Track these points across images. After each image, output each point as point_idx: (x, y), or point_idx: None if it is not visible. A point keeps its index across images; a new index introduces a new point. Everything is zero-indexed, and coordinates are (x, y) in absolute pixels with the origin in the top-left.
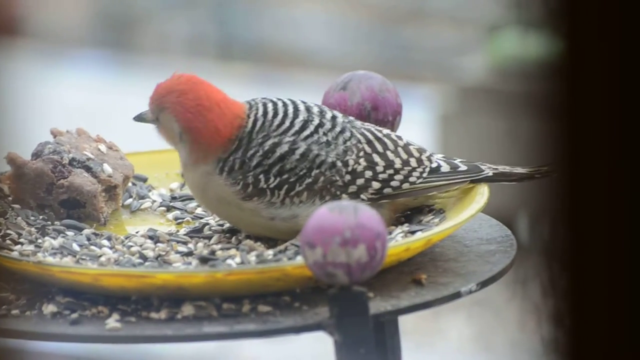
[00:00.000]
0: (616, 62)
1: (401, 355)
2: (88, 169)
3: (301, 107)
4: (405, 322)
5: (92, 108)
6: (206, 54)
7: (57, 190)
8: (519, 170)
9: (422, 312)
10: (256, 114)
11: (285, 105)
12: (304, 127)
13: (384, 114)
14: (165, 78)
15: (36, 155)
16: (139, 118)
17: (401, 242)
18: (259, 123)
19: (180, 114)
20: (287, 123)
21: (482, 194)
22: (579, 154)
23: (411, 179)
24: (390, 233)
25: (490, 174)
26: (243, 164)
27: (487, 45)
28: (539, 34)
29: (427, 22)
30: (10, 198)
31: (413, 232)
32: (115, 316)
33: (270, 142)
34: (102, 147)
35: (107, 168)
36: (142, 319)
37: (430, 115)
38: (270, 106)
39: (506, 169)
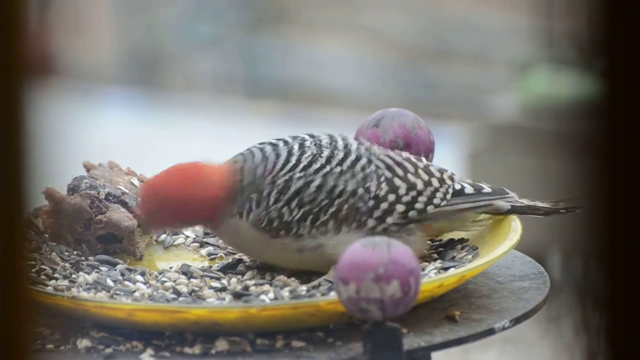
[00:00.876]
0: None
1: None
2: (124, 204)
3: (308, 142)
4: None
5: (123, 145)
6: (233, 92)
7: (95, 226)
8: (541, 204)
9: (453, 350)
10: (242, 164)
11: (286, 143)
12: (311, 161)
13: (416, 151)
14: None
15: (73, 190)
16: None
17: (434, 279)
18: (260, 167)
19: (171, 221)
20: (292, 161)
21: (515, 231)
22: (613, 191)
23: (435, 201)
24: (423, 269)
25: (516, 197)
26: (260, 203)
27: (518, 84)
28: (570, 72)
29: (453, 61)
30: (46, 235)
31: (446, 269)
32: (150, 351)
33: (280, 180)
34: (135, 181)
35: None
36: (176, 354)
37: (459, 154)
38: (268, 149)
39: (530, 202)
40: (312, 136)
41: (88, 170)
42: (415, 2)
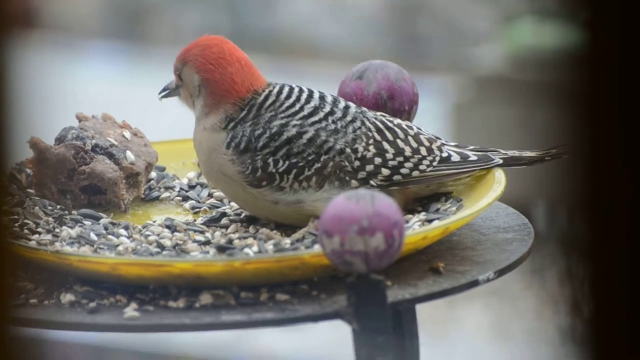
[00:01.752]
0: (634, 50)
1: (419, 344)
2: (111, 156)
3: (315, 95)
4: (421, 312)
5: (106, 98)
6: None
7: (78, 177)
8: (529, 153)
9: (438, 302)
10: (271, 90)
11: (301, 91)
12: (313, 113)
13: (400, 103)
14: None
15: (59, 140)
16: (164, 92)
17: (419, 231)
18: (270, 99)
19: (201, 65)
20: (297, 106)
21: (499, 182)
22: (596, 141)
23: (421, 167)
24: (407, 222)
25: (501, 162)
26: (249, 144)
27: (502, 35)
28: (554, 23)
29: (438, 13)
30: (29, 189)
31: (430, 221)
32: (134, 305)
33: (277, 122)
34: (127, 134)
35: (130, 155)
36: (160, 308)
37: (445, 105)
38: (286, 89)
39: (516, 153)
40: (320, 92)
41: (80, 121)
42: None
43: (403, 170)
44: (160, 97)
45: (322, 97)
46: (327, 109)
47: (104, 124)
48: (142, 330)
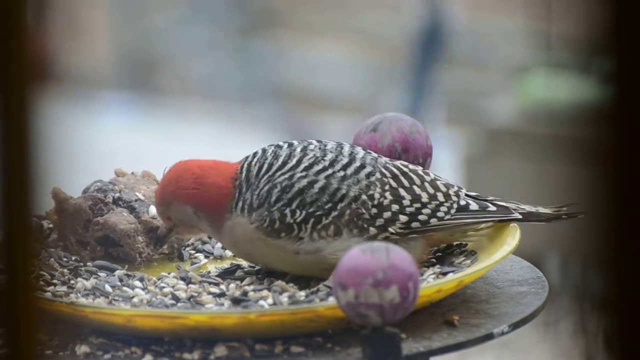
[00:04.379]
0: None
1: None
2: (132, 210)
3: (312, 145)
4: None
5: (119, 149)
6: (228, 96)
7: (93, 227)
8: (542, 210)
9: (450, 355)
10: (245, 161)
11: (290, 146)
12: (313, 163)
13: (414, 156)
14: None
15: (84, 192)
16: (161, 241)
17: (433, 283)
18: (255, 167)
19: (184, 196)
20: (293, 161)
21: (513, 236)
22: (610, 196)
23: (439, 214)
24: (422, 274)
25: (520, 216)
26: (260, 200)
27: (515, 87)
28: (567, 75)
29: (450, 65)
30: (46, 241)
31: (445, 274)
32: (149, 357)
33: (283, 177)
34: None
35: (153, 210)
36: None
37: (456, 158)
38: (269, 151)
39: (532, 208)
40: (319, 141)
41: (117, 176)
42: (411, 5)
43: (421, 217)
44: (162, 249)
45: (321, 147)
46: (330, 156)
47: (139, 180)
48: None
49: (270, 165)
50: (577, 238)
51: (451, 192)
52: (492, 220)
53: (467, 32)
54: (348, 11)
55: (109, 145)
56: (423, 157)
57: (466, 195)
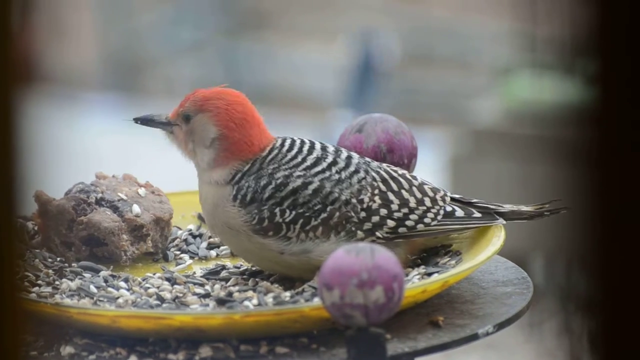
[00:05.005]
0: (632, 104)
1: None
2: (115, 209)
3: (317, 146)
4: None
5: (105, 150)
6: None
7: (77, 227)
8: (525, 208)
9: (435, 355)
10: (275, 144)
11: (302, 143)
12: (315, 163)
13: (399, 157)
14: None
15: (67, 194)
16: (146, 120)
17: (418, 284)
18: (273, 152)
19: (223, 120)
20: (299, 158)
21: (498, 237)
22: (594, 196)
23: (426, 220)
24: (407, 275)
25: (504, 222)
26: (255, 195)
27: (500, 89)
28: (552, 77)
29: (435, 66)
30: (34, 240)
31: (430, 274)
32: (133, 358)
33: (281, 174)
34: (142, 191)
35: (136, 208)
36: None
37: (441, 159)
38: (288, 142)
39: (514, 207)
40: (321, 143)
41: (98, 179)
42: (397, 7)
43: (408, 223)
44: (137, 121)
45: (324, 148)
46: (330, 159)
47: (120, 182)
48: None
49: (283, 157)
50: (562, 239)
51: (438, 197)
52: (477, 226)
53: (452, 33)
54: (334, 12)
55: (95, 147)
56: (408, 158)
57: (451, 199)
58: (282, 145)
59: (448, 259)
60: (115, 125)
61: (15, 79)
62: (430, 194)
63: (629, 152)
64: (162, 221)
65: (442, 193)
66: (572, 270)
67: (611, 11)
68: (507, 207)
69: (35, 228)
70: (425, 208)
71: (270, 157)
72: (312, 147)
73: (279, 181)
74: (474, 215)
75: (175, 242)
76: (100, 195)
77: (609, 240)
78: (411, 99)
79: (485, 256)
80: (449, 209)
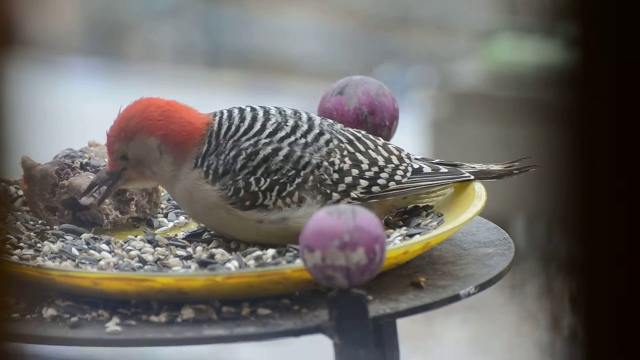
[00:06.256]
0: (613, 66)
1: (399, 358)
2: None
3: (273, 110)
4: (400, 327)
5: (84, 114)
6: (194, 62)
7: (59, 191)
8: (495, 167)
9: (417, 317)
10: (220, 117)
11: (253, 110)
12: (277, 128)
13: (381, 119)
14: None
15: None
16: (90, 190)
17: (400, 245)
18: (224, 126)
19: (150, 127)
20: (257, 126)
21: (479, 197)
22: (575, 157)
23: (396, 178)
24: (388, 236)
25: (471, 177)
26: (226, 167)
27: (480, 51)
28: (533, 39)
29: (415, 29)
30: (15, 203)
31: (411, 236)
32: (115, 319)
33: (247, 143)
34: None
35: None
36: (142, 322)
37: (422, 122)
38: (235, 112)
39: (483, 167)
40: (276, 107)
41: (90, 147)
42: None
43: (380, 181)
44: (85, 201)
45: (280, 112)
46: (291, 122)
47: None
48: (124, 344)
49: (237, 128)
50: (543, 200)
51: (403, 155)
52: (447, 182)
53: None
54: None
55: (77, 111)
56: (390, 120)
57: (416, 159)
58: (230, 116)
59: (430, 220)
60: (97, 90)
61: None
62: (396, 152)
63: (610, 113)
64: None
65: (406, 152)
66: (553, 231)
67: None
68: (477, 166)
69: (19, 192)
70: (393, 166)
71: (222, 131)
72: (267, 112)
73: (248, 151)
74: (441, 171)
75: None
76: (86, 160)
77: (589, 201)
78: (391, 62)
79: (466, 217)
80: (416, 166)
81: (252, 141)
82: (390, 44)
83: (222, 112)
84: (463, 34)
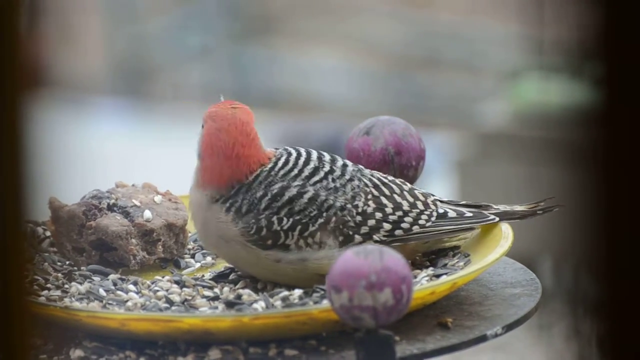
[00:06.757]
0: None
1: None
2: (127, 214)
3: (314, 155)
4: None
5: (113, 155)
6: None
7: (86, 232)
8: (518, 207)
9: (443, 358)
10: (275, 162)
11: (298, 154)
12: (313, 173)
13: (407, 159)
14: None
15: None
16: None
17: (427, 286)
18: (263, 175)
19: (205, 140)
20: (295, 170)
21: (506, 238)
22: (603, 199)
23: (420, 222)
24: (415, 277)
25: (496, 219)
26: (251, 207)
27: (507, 92)
28: (560, 79)
29: (443, 70)
30: (43, 244)
31: (438, 276)
32: None
33: (278, 185)
34: (158, 198)
35: (147, 214)
36: None
37: (448, 162)
38: (283, 158)
39: (507, 208)
40: (317, 152)
41: (117, 187)
42: (404, 11)
43: (404, 225)
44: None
45: (319, 157)
46: (327, 168)
47: (138, 191)
48: None
49: (277, 174)
50: (570, 241)
51: (429, 200)
52: (470, 226)
53: (460, 36)
54: (340, 17)
55: (103, 151)
56: (416, 160)
57: (442, 202)
58: (277, 162)
59: (456, 260)
60: (125, 130)
61: (24, 84)
62: (422, 197)
63: (636, 153)
64: (175, 227)
65: (432, 197)
66: (580, 273)
67: (618, 14)
68: (501, 207)
69: (46, 233)
70: (418, 210)
71: (258, 179)
72: (308, 157)
73: (274, 192)
74: (466, 215)
75: (189, 247)
76: (113, 201)
77: (616, 243)
78: (418, 103)
79: (493, 257)
80: (441, 210)
81: (284, 183)
82: (417, 85)
83: (277, 159)
84: (490, 74)
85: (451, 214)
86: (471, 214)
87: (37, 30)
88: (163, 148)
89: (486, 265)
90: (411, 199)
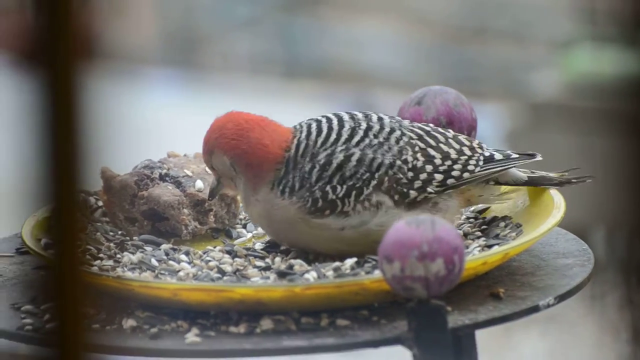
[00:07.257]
0: None
1: None
2: (178, 184)
3: (345, 116)
4: (478, 338)
5: (163, 125)
6: (271, 72)
7: (138, 202)
8: (552, 175)
9: (495, 328)
10: (299, 137)
11: (329, 120)
12: (352, 134)
13: (459, 129)
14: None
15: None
16: (211, 194)
17: (479, 256)
18: (302, 146)
19: (224, 145)
20: (333, 135)
21: (558, 208)
22: None
23: (470, 168)
24: (467, 247)
25: (540, 157)
26: (303, 182)
27: (559, 61)
28: (613, 49)
29: (493, 40)
30: (95, 214)
31: (490, 246)
32: (195, 330)
33: (323, 155)
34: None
35: (199, 184)
36: (222, 333)
37: (500, 132)
38: (314, 126)
39: (544, 173)
40: (347, 112)
41: (169, 157)
42: None
43: (454, 173)
44: (210, 200)
45: (352, 117)
46: (364, 125)
47: (190, 160)
48: (204, 355)
49: (315, 143)
50: (622, 211)
51: (475, 144)
52: (517, 164)
53: (510, 5)
54: None
55: (155, 121)
56: (468, 130)
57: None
58: (308, 134)
59: (508, 230)
60: (175, 101)
61: (78, 55)
62: (467, 143)
63: None
64: (227, 197)
65: (477, 141)
66: (633, 242)
67: None
68: (538, 173)
69: (98, 203)
70: (466, 157)
71: (300, 152)
72: (340, 119)
73: (322, 162)
74: (512, 157)
75: (240, 217)
76: (165, 171)
77: None
78: (469, 73)
79: (545, 228)
80: (487, 153)
81: (328, 151)
82: (468, 55)
83: (300, 132)
84: (542, 44)
85: (497, 156)
86: (517, 155)
87: (90, 1)
88: (212, 119)
89: (538, 236)
90: (457, 146)
